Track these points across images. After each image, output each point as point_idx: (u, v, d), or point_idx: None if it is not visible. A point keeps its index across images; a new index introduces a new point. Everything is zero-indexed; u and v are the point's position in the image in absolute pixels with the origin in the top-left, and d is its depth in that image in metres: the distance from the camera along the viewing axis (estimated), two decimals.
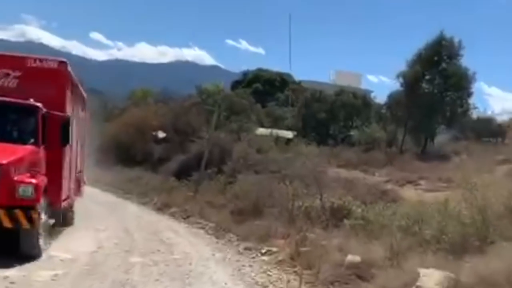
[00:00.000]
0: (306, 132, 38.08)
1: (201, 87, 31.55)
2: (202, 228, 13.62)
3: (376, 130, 38.05)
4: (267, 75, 53.07)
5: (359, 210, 12.96)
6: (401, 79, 34.30)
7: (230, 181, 18.41)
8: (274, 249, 10.44)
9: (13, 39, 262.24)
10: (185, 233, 12.48)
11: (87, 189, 22.83)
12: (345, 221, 12.70)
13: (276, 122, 41.08)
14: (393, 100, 36.29)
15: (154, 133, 32.24)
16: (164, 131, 31.77)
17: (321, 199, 14.10)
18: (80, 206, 14.86)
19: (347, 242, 9.39)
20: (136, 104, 35.50)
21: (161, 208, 17.30)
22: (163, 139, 31.28)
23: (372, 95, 50.15)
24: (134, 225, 12.83)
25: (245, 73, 51.49)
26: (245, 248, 10.93)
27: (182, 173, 22.60)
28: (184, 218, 15.26)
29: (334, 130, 40.36)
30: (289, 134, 35.64)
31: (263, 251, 10.38)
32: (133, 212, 15.88)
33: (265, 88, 51.21)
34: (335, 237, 10.47)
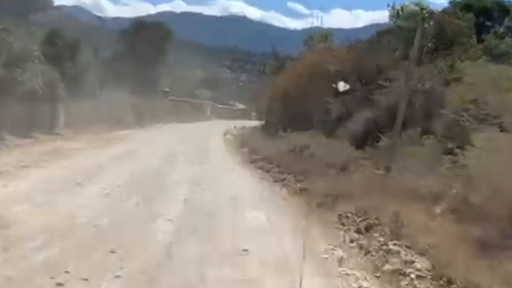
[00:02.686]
0: None
1: (395, 8, 22.15)
2: (402, 279, 5.67)
3: None
4: (480, 3, 40.98)
5: None
6: None
7: (450, 150, 10.22)
8: None
9: (217, 14, 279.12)
10: None
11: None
12: None
13: (498, 61, 30.40)
14: None
15: (334, 85, 24.81)
16: (346, 81, 24.14)
17: None
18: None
19: None
20: (312, 48, 28.09)
21: (321, 205, 9.71)
22: (346, 92, 23.69)
23: None
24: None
25: (451, 2, 40.11)
26: None
27: (367, 138, 14.98)
28: (361, 233, 7.55)
29: None
30: None
31: None
32: (251, 233, 8.38)
33: (479, 19, 39.53)
34: None
